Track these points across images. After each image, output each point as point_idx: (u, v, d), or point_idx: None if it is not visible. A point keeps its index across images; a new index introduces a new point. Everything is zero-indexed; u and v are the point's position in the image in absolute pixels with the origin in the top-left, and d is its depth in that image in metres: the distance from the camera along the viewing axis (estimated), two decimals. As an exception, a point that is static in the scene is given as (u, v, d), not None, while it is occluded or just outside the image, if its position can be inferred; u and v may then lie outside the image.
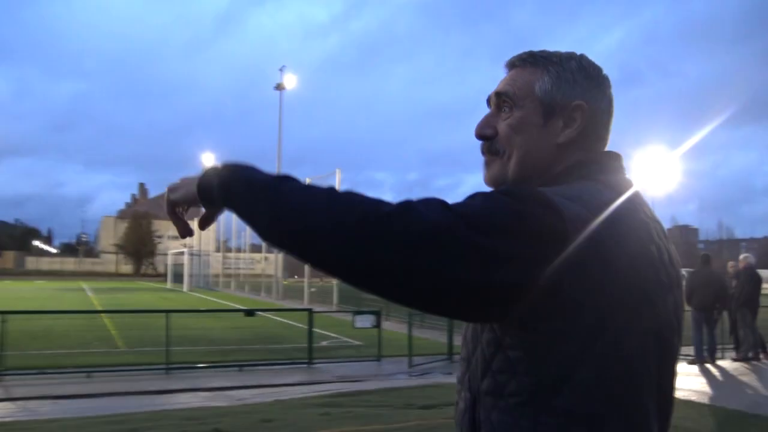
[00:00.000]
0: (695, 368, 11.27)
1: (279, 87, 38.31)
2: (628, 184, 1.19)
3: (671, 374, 1.16)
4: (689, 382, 9.77)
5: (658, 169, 65.48)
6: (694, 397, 8.41)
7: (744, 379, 10.26)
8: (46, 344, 12.85)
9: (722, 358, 12.26)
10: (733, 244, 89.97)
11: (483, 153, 1.28)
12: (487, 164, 1.27)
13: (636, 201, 1.16)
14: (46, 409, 7.65)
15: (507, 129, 1.23)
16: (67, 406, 7.86)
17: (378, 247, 0.95)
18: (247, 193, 1.07)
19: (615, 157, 1.26)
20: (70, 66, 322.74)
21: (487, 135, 1.26)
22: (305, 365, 11.34)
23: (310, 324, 12.11)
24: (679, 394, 8.57)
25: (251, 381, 9.76)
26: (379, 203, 0.99)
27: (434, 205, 0.98)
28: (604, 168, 1.21)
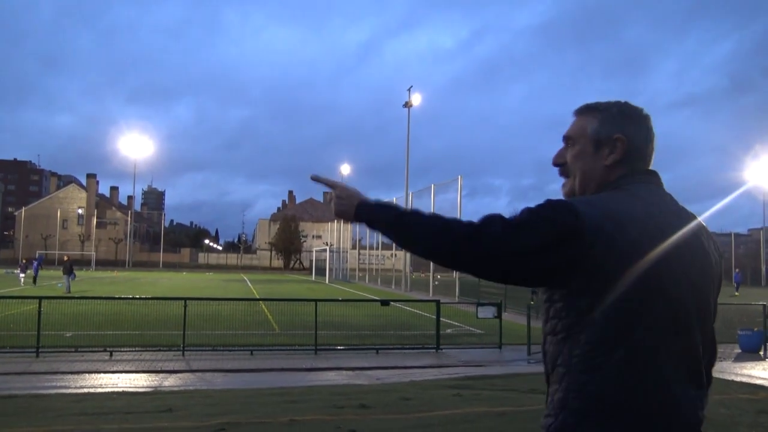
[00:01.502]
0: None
1: (407, 105, 38.58)
2: (648, 191, 1.54)
3: (686, 321, 1.44)
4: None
5: (769, 171, 59.82)
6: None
7: None
8: (216, 326, 13.54)
9: None
10: None
11: (560, 175, 1.67)
12: (564, 183, 1.66)
13: (648, 201, 1.50)
14: (219, 380, 8.03)
15: (571, 158, 1.63)
16: (235, 379, 8.21)
17: (465, 259, 1.42)
18: (387, 230, 1.55)
19: (646, 173, 1.59)
20: (238, 95, 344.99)
21: (559, 163, 1.66)
22: (433, 350, 11.25)
23: (438, 313, 12.00)
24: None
25: (387, 363, 9.79)
26: (460, 229, 1.41)
27: (495, 222, 1.39)
28: (633, 180, 1.55)
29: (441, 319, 12.03)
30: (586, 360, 1.39)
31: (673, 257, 1.43)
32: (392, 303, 16.53)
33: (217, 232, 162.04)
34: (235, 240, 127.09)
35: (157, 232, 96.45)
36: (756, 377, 8.67)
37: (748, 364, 10.19)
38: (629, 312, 1.38)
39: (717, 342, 1.61)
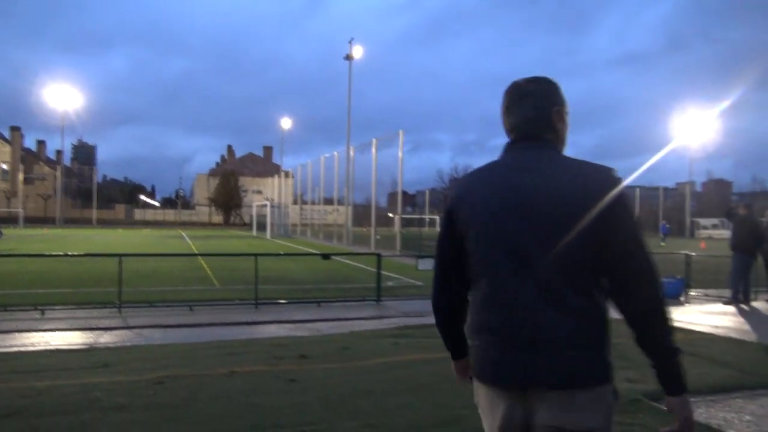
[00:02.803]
0: (732, 308, 10.85)
1: (348, 57, 37.98)
2: (512, 155, 1.93)
3: (506, 255, 1.80)
4: (726, 320, 9.41)
5: (698, 127, 62.66)
6: (733, 334, 8.09)
7: (779, 319, 9.81)
8: (154, 282, 13.34)
9: (756, 300, 11.75)
10: (766, 196, 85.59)
11: None
12: None
13: (502, 165, 1.92)
14: (157, 336, 7.95)
15: None
16: (174, 334, 8.14)
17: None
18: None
19: (515, 140, 1.96)
20: (177, 45, 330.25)
21: None
22: (374, 302, 11.42)
23: (378, 266, 12.16)
24: (716, 331, 8.27)
25: (328, 315, 9.89)
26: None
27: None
28: (506, 149, 1.97)
29: (382, 272, 12.20)
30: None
31: (500, 202, 1.81)
32: (333, 257, 16.62)
33: (153, 187, 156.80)
34: (173, 196, 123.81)
35: (89, 188, 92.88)
36: (676, 320, 9.17)
37: (669, 310, 10.82)
38: (473, 253, 1.86)
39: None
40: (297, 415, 4.37)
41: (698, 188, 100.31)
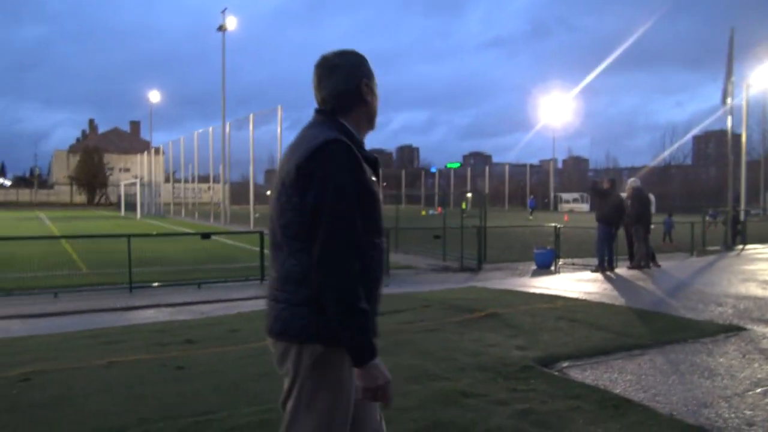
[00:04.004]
0: (599, 276, 11.64)
1: (221, 28, 36.27)
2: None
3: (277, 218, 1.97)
4: (596, 287, 10.06)
5: (559, 109, 67.05)
6: (605, 300, 8.63)
7: (641, 284, 10.62)
8: (11, 269, 12.07)
9: (618, 267, 12.69)
10: (617, 172, 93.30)
11: None
12: None
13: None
14: (18, 328, 7.15)
15: None
16: (38, 324, 7.38)
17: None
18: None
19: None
20: (32, 9, 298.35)
21: None
22: (258, 281, 11.09)
23: (261, 245, 11.81)
24: (590, 297, 8.79)
25: (210, 297, 9.46)
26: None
27: None
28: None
29: (265, 250, 11.84)
30: None
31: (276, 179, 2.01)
32: (213, 236, 15.95)
33: (3, 165, 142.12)
34: (27, 174, 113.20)
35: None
36: (552, 289, 9.72)
37: (544, 279, 11.42)
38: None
39: (333, 238, 1.81)
40: (189, 405, 4.05)
41: (559, 165, 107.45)
